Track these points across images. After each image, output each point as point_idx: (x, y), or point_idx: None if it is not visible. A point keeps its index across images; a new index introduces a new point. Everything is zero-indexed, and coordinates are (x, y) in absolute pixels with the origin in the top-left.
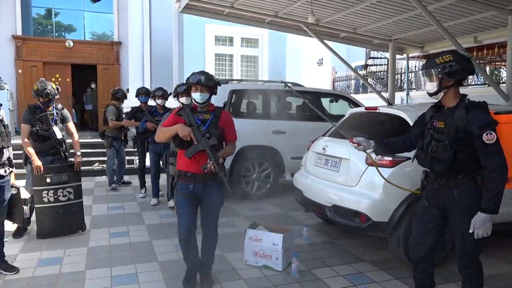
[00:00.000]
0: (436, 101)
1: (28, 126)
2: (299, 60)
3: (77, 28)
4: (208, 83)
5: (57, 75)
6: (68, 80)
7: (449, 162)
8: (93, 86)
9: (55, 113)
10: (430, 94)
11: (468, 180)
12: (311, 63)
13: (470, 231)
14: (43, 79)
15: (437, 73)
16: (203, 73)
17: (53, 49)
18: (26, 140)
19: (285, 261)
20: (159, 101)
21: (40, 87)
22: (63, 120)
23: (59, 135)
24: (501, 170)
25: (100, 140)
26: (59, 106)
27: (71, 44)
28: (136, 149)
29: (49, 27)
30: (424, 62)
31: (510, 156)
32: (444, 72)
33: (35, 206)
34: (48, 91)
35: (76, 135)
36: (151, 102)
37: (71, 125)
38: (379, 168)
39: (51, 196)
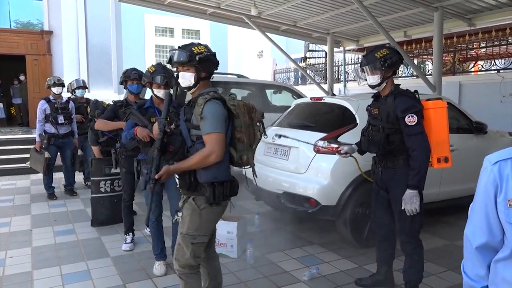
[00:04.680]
0: (374, 91)
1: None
2: (240, 52)
3: None
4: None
5: None
6: None
7: (381, 144)
8: (21, 78)
9: None
10: (373, 86)
11: (403, 161)
12: (252, 55)
13: (402, 207)
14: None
15: (380, 66)
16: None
17: None
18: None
19: (240, 248)
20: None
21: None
22: None
23: None
24: (421, 149)
25: (31, 136)
26: None
27: None
28: (119, 172)
29: None
30: (362, 58)
31: (439, 137)
32: (386, 64)
33: (92, 195)
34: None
35: None
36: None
37: None
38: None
39: (107, 186)
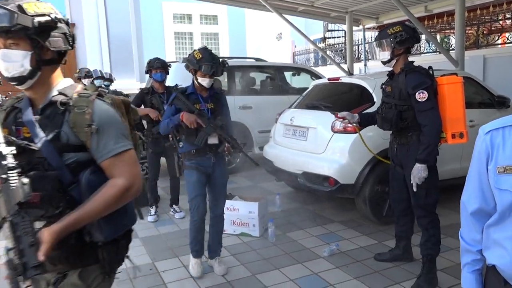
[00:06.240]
0: (390, 69)
1: None
2: (258, 35)
3: None
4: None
5: None
6: None
7: (394, 120)
8: None
9: None
10: (384, 63)
11: (416, 137)
12: (270, 38)
13: (412, 182)
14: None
15: (389, 42)
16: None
17: None
18: None
19: (262, 227)
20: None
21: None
22: None
23: None
24: (432, 124)
25: None
26: None
27: None
28: (144, 156)
29: None
30: (377, 33)
31: (454, 113)
32: (395, 41)
33: None
34: None
35: None
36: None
37: None
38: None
39: None
